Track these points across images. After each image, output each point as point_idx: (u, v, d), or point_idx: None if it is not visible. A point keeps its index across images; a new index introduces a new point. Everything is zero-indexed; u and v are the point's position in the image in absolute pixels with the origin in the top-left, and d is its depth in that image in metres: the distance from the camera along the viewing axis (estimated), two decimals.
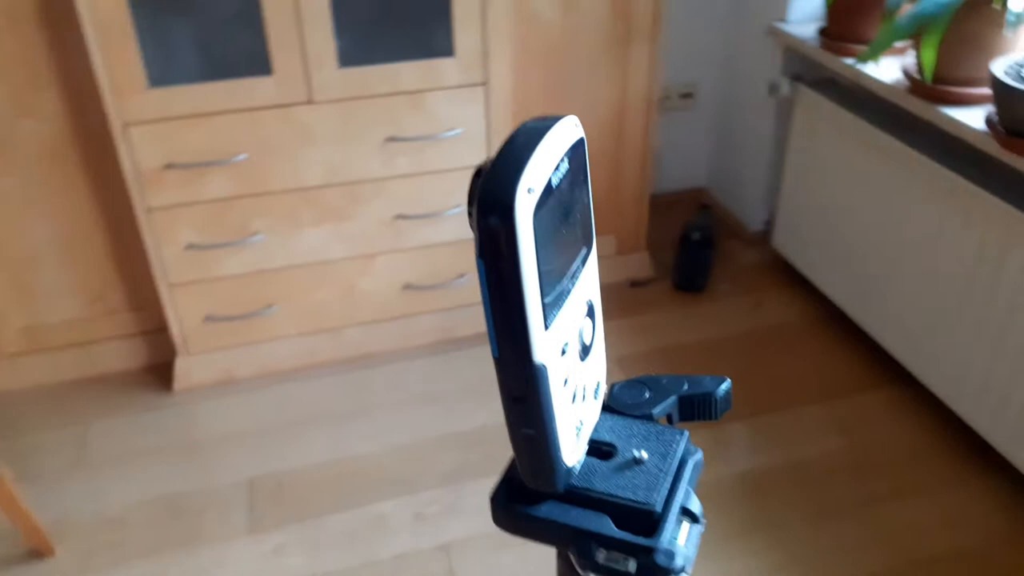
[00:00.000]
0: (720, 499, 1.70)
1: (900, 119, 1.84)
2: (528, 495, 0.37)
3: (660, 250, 2.39)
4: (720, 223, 2.50)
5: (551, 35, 2.00)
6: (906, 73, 1.76)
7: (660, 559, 0.34)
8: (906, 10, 1.55)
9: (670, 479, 0.38)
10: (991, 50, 1.59)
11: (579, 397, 0.39)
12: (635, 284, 2.35)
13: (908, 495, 1.70)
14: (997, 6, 1.51)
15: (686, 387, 0.42)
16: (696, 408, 0.42)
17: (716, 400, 0.42)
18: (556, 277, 0.34)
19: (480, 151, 1.93)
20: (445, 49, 1.80)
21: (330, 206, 1.90)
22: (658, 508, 0.37)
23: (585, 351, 0.40)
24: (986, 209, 1.63)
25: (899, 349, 1.94)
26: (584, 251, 0.39)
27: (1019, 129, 1.51)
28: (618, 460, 0.39)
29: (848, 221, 2.04)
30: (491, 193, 0.32)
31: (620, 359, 2.08)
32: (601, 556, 0.35)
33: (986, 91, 1.62)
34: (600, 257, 2.30)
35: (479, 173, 0.32)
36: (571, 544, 0.36)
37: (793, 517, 1.66)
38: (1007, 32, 1.57)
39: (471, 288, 2.11)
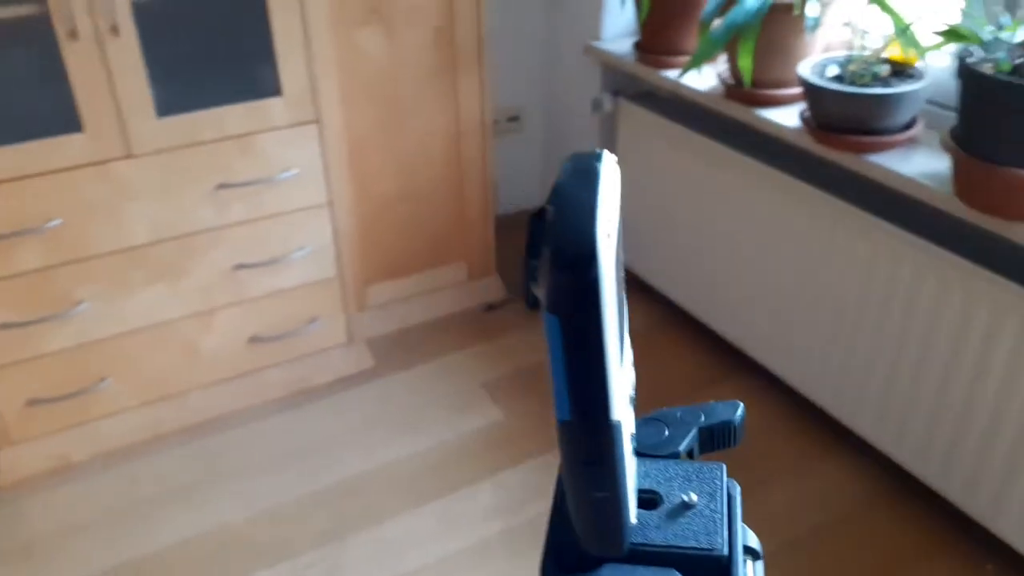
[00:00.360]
0: None
1: (721, 124, 1.95)
2: (579, 562, 0.34)
3: (509, 271, 2.39)
4: None
5: (378, 66, 1.96)
6: (722, 80, 1.86)
7: None
8: (718, 22, 1.64)
9: (725, 518, 0.36)
10: (797, 53, 1.71)
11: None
12: (490, 308, 2.34)
13: (774, 479, 1.78)
14: (797, 13, 1.62)
15: (703, 418, 0.40)
16: (716, 437, 0.40)
17: (735, 427, 0.40)
18: (621, 325, 0.32)
19: (319, 190, 1.86)
20: (271, 88, 1.72)
21: (161, 264, 1.76)
22: (725, 552, 0.35)
23: (633, 397, 0.37)
24: (806, 198, 1.74)
25: (744, 341, 2.04)
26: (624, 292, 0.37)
27: (829, 123, 1.63)
28: (667, 507, 0.36)
29: (682, 225, 2.12)
30: (570, 241, 0.29)
31: (486, 384, 2.06)
32: None
33: (797, 91, 1.74)
34: (452, 284, 2.31)
35: (539, 217, 0.28)
36: None
37: None
38: (808, 36, 1.69)
39: (323, 333, 2.02)
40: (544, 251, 0.30)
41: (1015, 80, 1.30)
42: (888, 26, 1.54)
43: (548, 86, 2.56)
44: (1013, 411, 1.45)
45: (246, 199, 1.78)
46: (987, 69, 1.34)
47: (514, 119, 2.59)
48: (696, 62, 1.65)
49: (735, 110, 1.83)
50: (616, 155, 2.24)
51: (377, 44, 1.94)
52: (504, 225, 2.41)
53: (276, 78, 1.71)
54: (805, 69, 1.64)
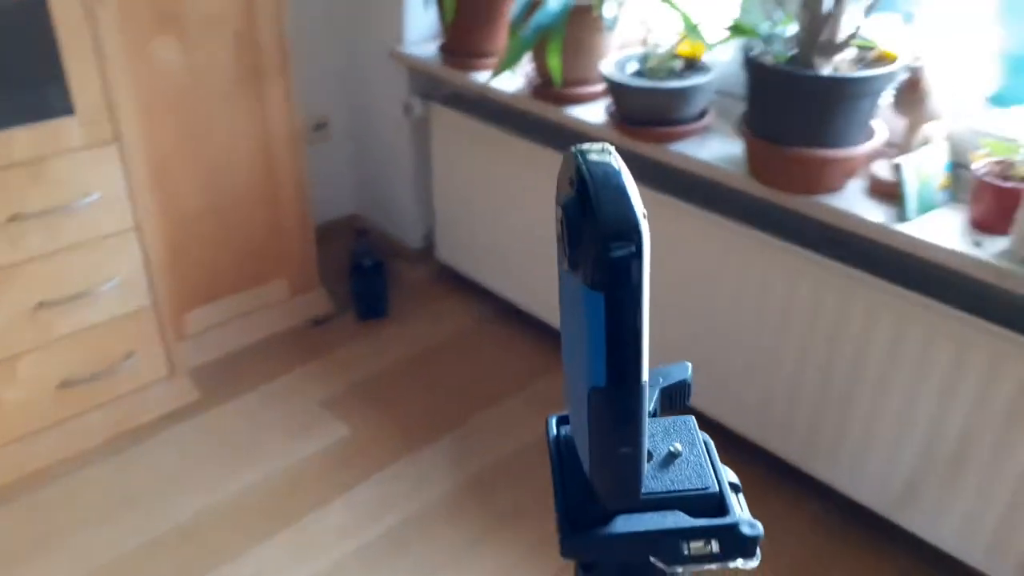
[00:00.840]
0: (455, 511, 1.74)
1: (532, 122, 2.03)
2: (593, 519, 0.36)
3: (333, 283, 2.35)
4: (382, 245, 2.52)
5: (178, 78, 1.86)
6: (529, 81, 1.94)
7: (745, 530, 0.36)
8: (525, 25, 1.70)
9: (708, 460, 0.40)
10: (599, 52, 1.81)
11: None
12: (318, 323, 2.29)
13: None
14: (596, 13, 1.72)
15: (662, 380, 0.43)
16: (673, 397, 0.43)
17: (689, 385, 0.44)
18: None
19: (124, 214, 1.74)
20: (63, 107, 1.59)
21: None
22: (716, 489, 0.39)
23: None
24: None
25: None
26: None
27: (633, 117, 1.74)
28: (657, 459, 0.39)
29: (501, 220, 2.19)
30: (615, 222, 0.31)
31: (325, 401, 2.02)
32: (687, 548, 0.36)
33: (601, 88, 1.85)
34: (274, 302, 2.23)
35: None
36: (656, 547, 0.36)
37: (527, 502, 1.75)
38: (608, 35, 1.80)
39: (141, 368, 1.89)
40: (574, 222, 0.31)
41: (792, 69, 1.46)
42: (678, 23, 1.67)
43: (354, 92, 2.53)
44: (812, 363, 1.63)
45: (43, 230, 1.63)
46: (768, 60, 1.49)
47: (321, 127, 2.55)
48: (507, 64, 1.71)
49: (544, 109, 1.91)
50: (432, 158, 2.27)
51: (175, 53, 1.84)
52: (319, 236, 2.37)
53: (67, 95, 1.58)
54: (607, 67, 1.75)
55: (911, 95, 1.46)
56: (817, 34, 1.44)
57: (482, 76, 2.03)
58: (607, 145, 0.34)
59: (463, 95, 2.24)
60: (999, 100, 1.67)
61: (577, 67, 1.82)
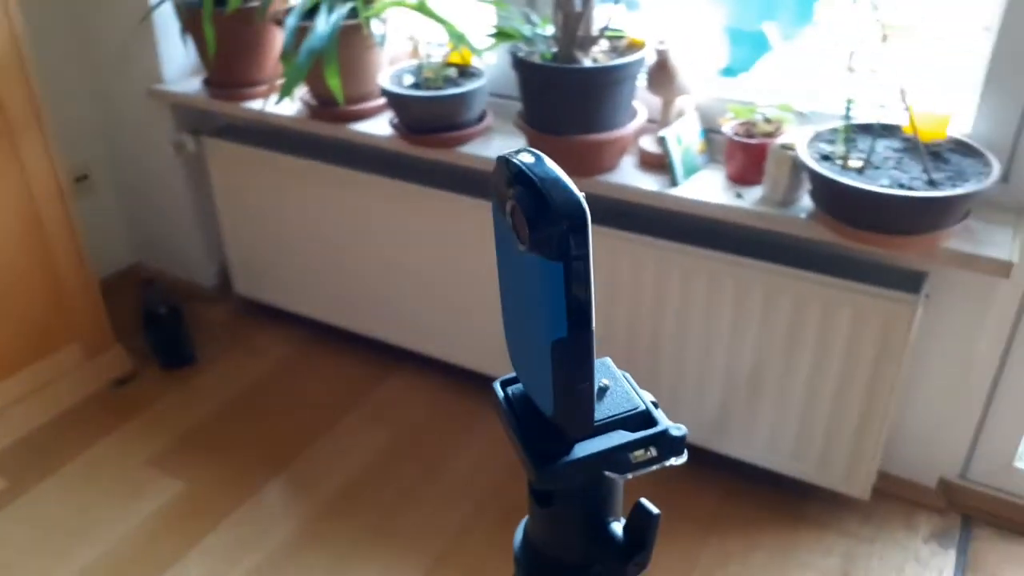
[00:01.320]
0: (314, 538, 1.74)
1: (312, 142, 2.05)
2: (554, 453, 0.45)
3: (130, 338, 2.23)
4: (174, 290, 2.42)
5: None
6: (306, 103, 1.96)
7: (674, 432, 0.47)
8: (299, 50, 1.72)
9: (631, 388, 0.49)
10: (373, 68, 1.87)
11: None
12: (121, 382, 2.16)
13: (460, 447, 1.96)
14: (366, 32, 1.78)
15: None
16: None
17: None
18: None
19: None
20: None
21: None
22: (644, 407, 0.48)
23: None
24: (406, 193, 1.93)
25: (391, 333, 2.18)
26: None
27: (417, 126, 1.82)
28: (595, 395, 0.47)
29: (299, 243, 2.19)
30: (565, 204, 0.38)
31: (150, 460, 1.92)
32: (632, 458, 0.45)
33: (381, 102, 1.91)
34: (70, 370, 2.08)
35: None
36: (609, 462, 0.45)
37: (384, 514, 1.79)
38: (379, 51, 1.86)
39: None
40: (531, 211, 0.39)
41: (557, 65, 1.61)
42: (444, 34, 1.77)
43: (115, 138, 2.40)
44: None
45: None
46: (535, 59, 1.63)
47: (82, 179, 2.39)
48: (288, 90, 1.72)
49: (327, 128, 1.94)
50: (213, 193, 2.22)
51: None
52: (104, 292, 2.24)
53: None
54: (385, 81, 1.81)
55: (661, 75, 1.66)
56: (574, 31, 1.59)
57: (255, 104, 2.02)
58: (529, 148, 0.42)
59: (237, 126, 2.21)
60: (729, 71, 1.94)
61: (355, 84, 1.87)
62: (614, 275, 1.74)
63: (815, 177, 1.45)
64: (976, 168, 1.41)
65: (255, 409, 2.09)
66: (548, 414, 0.44)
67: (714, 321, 1.67)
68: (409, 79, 1.83)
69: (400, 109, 1.84)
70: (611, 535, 0.49)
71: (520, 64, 1.64)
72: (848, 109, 1.46)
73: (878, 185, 1.38)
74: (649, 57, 1.65)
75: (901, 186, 1.38)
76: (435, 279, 2.02)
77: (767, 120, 1.60)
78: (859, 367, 1.57)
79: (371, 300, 2.16)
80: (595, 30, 1.62)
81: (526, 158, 0.41)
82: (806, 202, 1.53)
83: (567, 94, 1.63)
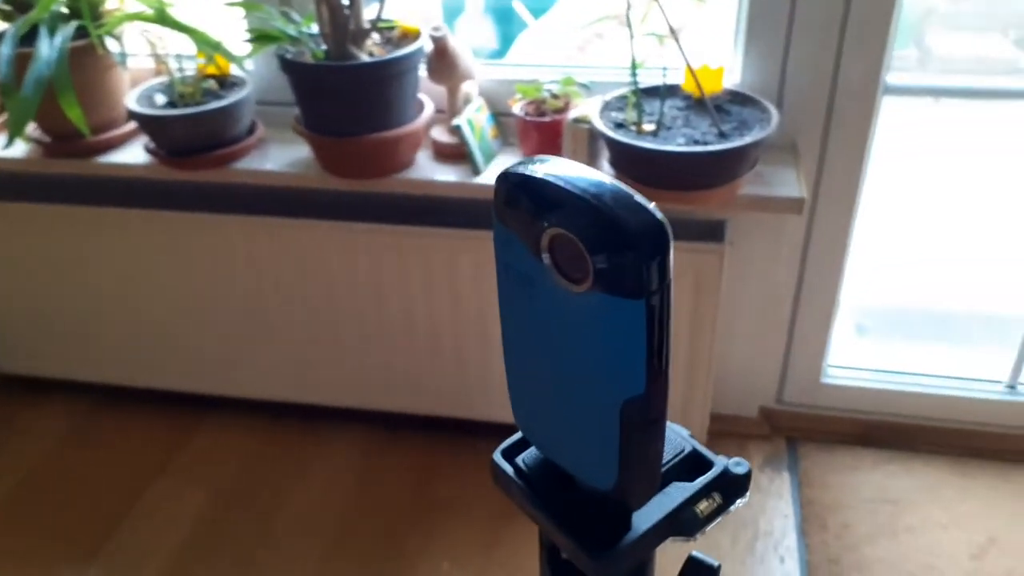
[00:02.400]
0: None
1: (53, 184, 1.77)
2: (609, 531, 0.36)
3: None
4: None
5: None
6: (38, 140, 1.68)
7: (738, 471, 0.40)
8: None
9: (669, 426, 0.41)
10: (117, 91, 1.64)
11: None
12: None
13: (293, 492, 1.81)
14: (101, 52, 1.55)
15: None
16: None
17: None
18: None
19: None
20: None
21: None
22: (692, 447, 0.41)
23: None
24: (175, 224, 1.74)
25: (190, 381, 1.96)
26: None
27: (178, 148, 1.63)
28: None
29: (60, 301, 1.90)
30: (641, 221, 0.29)
31: None
32: (699, 512, 0.38)
33: (131, 127, 1.68)
34: None
35: (575, 226, 0.26)
36: (676, 525, 0.37)
37: None
38: (121, 71, 1.63)
39: None
40: (595, 239, 0.30)
41: (332, 63, 1.49)
42: (192, 45, 1.58)
43: None
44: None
45: None
46: (307, 60, 1.50)
47: None
48: (17, 129, 1.46)
49: (70, 165, 1.68)
50: None
51: None
52: None
53: None
54: (133, 104, 1.60)
55: (442, 62, 1.59)
56: (344, 25, 1.48)
57: None
58: (539, 156, 0.33)
59: None
60: (498, 53, 1.92)
61: (98, 111, 1.63)
62: (432, 274, 1.67)
63: (614, 146, 1.46)
64: (756, 116, 1.49)
65: (41, 499, 1.80)
66: (603, 487, 0.36)
67: None
68: (161, 98, 1.63)
69: (156, 132, 1.63)
70: None
71: (291, 67, 1.50)
72: (634, 74, 1.48)
73: (675, 145, 1.41)
74: (426, 45, 1.58)
75: (696, 143, 1.43)
76: (230, 313, 1.83)
77: (554, 96, 1.59)
78: (679, 321, 1.62)
79: (160, 349, 1.92)
80: (365, 22, 1.52)
81: (556, 169, 0.32)
82: (607, 171, 1.54)
83: (348, 93, 1.52)
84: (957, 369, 1.82)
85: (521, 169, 0.32)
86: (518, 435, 0.41)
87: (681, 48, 1.44)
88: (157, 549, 1.67)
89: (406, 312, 1.74)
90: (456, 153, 1.60)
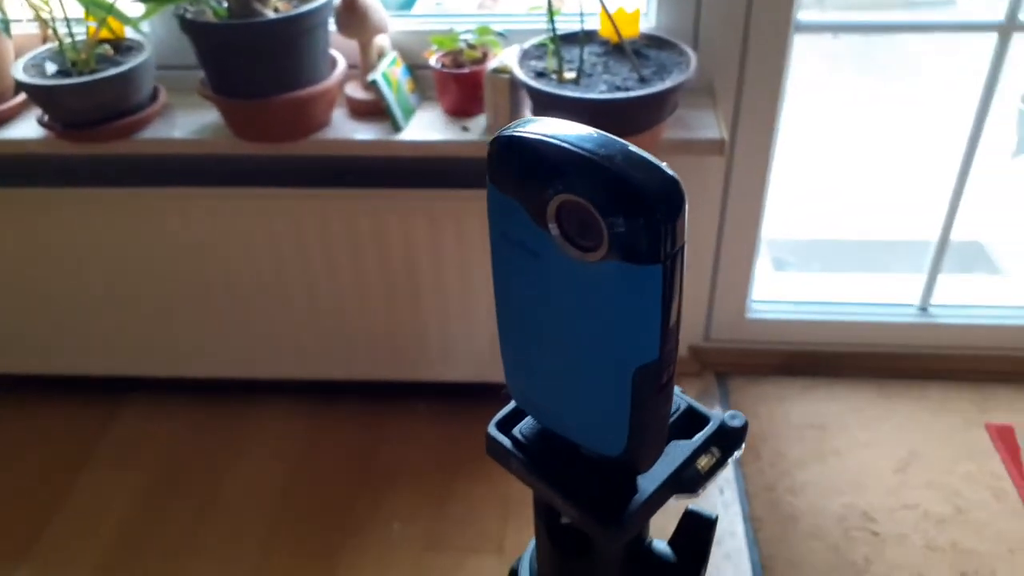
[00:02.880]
0: None
1: None
2: (616, 497, 0.36)
3: None
4: None
5: None
6: None
7: (734, 423, 0.41)
8: None
9: None
10: (2, 59, 1.53)
11: None
12: None
13: (231, 469, 1.76)
14: None
15: None
16: None
17: None
18: None
19: None
20: None
21: None
22: (687, 404, 0.42)
23: None
24: (70, 202, 1.65)
25: (106, 364, 1.88)
26: None
27: (76, 120, 1.53)
28: None
29: None
30: (657, 181, 0.28)
31: None
32: (700, 469, 0.39)
33: (20, 99, 1.57)
34: None
35: (587, 192, 0.25)
36: (678, 483, 0.38)
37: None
38: (5, 38, 1.52)
39: None
40: (610, 204, 0.28)
41: (238, 22, 1.42)
42: (80, 9, 1.48)
43: None
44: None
45: None
46: (209, 19, 1.42)
47: None
48: None
49: None
50: None
51: None
52: None
53: None
54: (20, 74, 1.49)
55: (351, 16, 1.53)
56: None
57: None
58: (536, 118, 0.31)
59: None
60: (405, 4, 1.86)
61: None
62: (357, 236, 1.64)
63: (536, 95, 1.44)
64: (673, 59, 1.49)
65: None
66: (611, 453, 0.35)
67: (468, 258, 1.64)
68: (51, 67, 1.52)
69: (50, 104, 1.52)
70: (660, 558, 0.42)
71: (191, 27, 1.42)
72: (552, 22, 1.46)
73: (598, 92, 1.40)
74: None
75: (618, 88, 1.42)
76: (145, 291, 1.76)
77: (471, 47, 1.56)
78: None
79: (68, 334, 1.83)
80: None
81: (558, 130, 0.30)
82: None
83: (256, 52, 1.45)
84: (872, 295, 1.90)
85: (520, 131, 0.30)
86: (510, 406, 0.40)
87: None
88: (91, 543, 1.61)
89: (333, 277, 1.69)
90: (373, 110, 1.56)
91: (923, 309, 1.87)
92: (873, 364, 1.88)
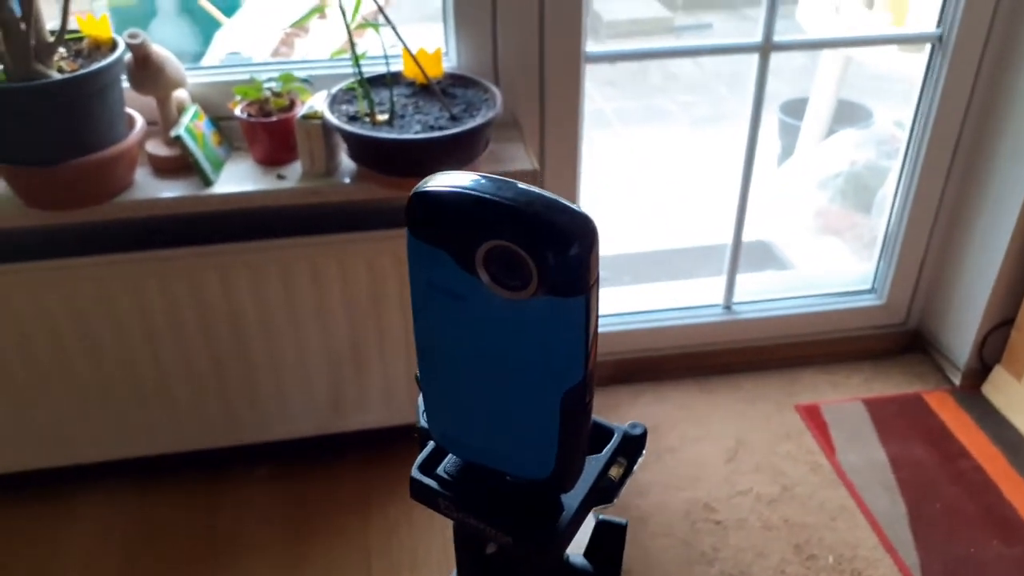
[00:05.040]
0: None
1: None
2: (543, 518, 0.38)
3: None
4: None
5: None
6: None
7: (635, 432, 0.44)
8: None
9: None
10: None
11: None
12: None
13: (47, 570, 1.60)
14: None
15: None
16: None
17: None
18: None
19: None
20: None
21: None
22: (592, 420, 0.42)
23: None
24: None
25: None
26: None
27: None
28: None
29: None
30: (573, 221, 0.31)
31: None
32: (612, 479, 0.42)
33: None
34: None
35: (516, 237, 0.27)
36: (597, 496, 0.40)
37: None
38: None
39: None
40: (537, 246, 0.31)
41: (21, 85, 1.32)
42: None
43: None
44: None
45: None
46: None
47: None
48: None
49: None
50: None
51: None
52: None
53: None
54: None
55: (145, 71, 1.47)
56: (24, 41, 1.31)
57: None
58: (445, 172, 0.33)
59: None
60: (195, 57, 1.81)
61: None
62: (173, 299, 1.55)
63: (352, 139, 1.45)
64: (480, 96, 1.54)
65: None
66: (539, 476, 0.36)
67: (297, 308, 1.60)
68: None
69: None
70: (578, 569, 0.44)
71: None
72: (358, 65, 1.47)
73: (413, 133, 1.43)
74: (126, 54, 1.44)
75: (431, 128, 1.45)
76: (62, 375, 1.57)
77: (276, 95, 1.53)
78: None
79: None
80: (47, 35, 1.36)
81: (467, 181, 0.32)
82: (348, 165, 1.52)
83: (42, 116, 1.35)
84: (681, 300, 2.05)
85: (435, 187, 0.32)
86: (429, 449, 0.41)
87: (398, 33, 1.45)
88: None
89: (151, 345, 1.59)
90: (179, 166, 1.49)
91: (727, 308, 2.04)
92: (691, 363, 2.02)
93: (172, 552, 1.62)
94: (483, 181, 0.32)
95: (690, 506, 1.67)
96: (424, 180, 0.32)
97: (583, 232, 0.31)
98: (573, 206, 0.31)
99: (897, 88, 3.40)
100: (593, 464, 0.41)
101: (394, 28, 1.44)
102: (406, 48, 1.48)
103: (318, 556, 1.60)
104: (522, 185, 0.31)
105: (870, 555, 1.57)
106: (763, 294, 2.07)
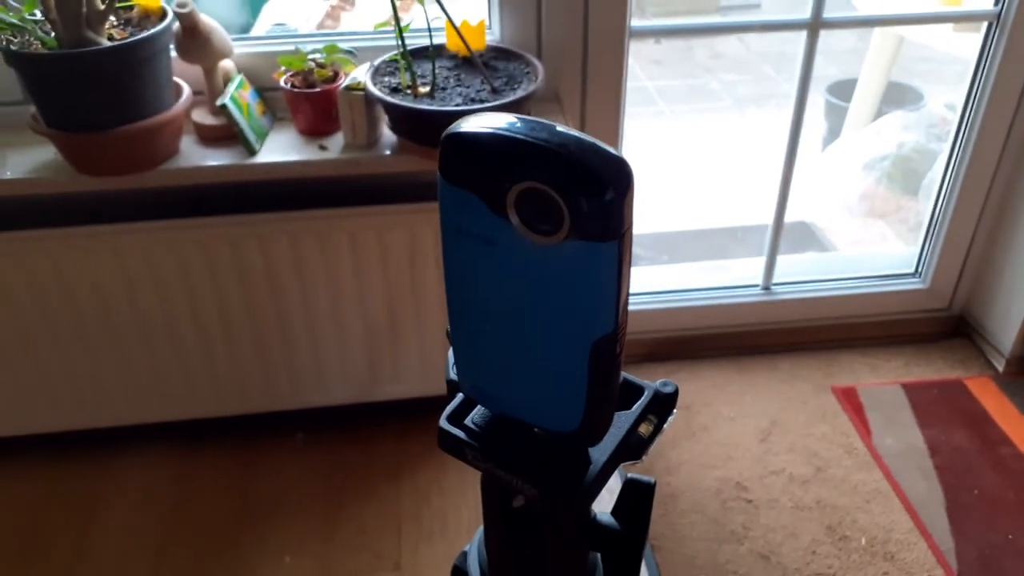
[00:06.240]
0: None
1: None
2: (572, 472, 0.38)
3: None
4: None
5: None
6: None
7: (666, 390, 0.43)
8: None
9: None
10: None
11: None
12: None
13: (92, 526, 1.66)
14: None
15: None
16: None
17: None
18: None
19: None
20: None
21: None
22: (623, 376, 0.42)
23: None
24: None
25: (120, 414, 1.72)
26: None
27: None
28: None
29: None
30: (609, 164, 0.30)
31: None
32: (641, 435, 0.41)
33: None
34: None
35: (550, 178, 0.27)
36: (626, 451, 0.40)
37: None
38: None
39: None
40: (570, 189, 0.30)
41: (72, 52, 1.35)
42: None
43: None
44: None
45: None
46: (38, 50, 1.35)
47: None
48: None
49: None
50: None
51: None
52: None
53: None
54: None
55: (193, 40, 1.49)
56: (76, 8, 1.34)
57: None
58: (481, 113, 0.33)
59: None
60: (243, 28, 1.83)
61: None
62: (215, 267, 1.58)
63: (394, 111, 1.46)
64: (521, 70, 1.54)
65: None
66: (567, 429, 0.37)
67: (337, 278, 1.62)
68: None
69: None
70: (608, 529, 0.44)
71: (18, 59, 1.34)
72: (401, 37, 1.47)
73: (455, 105, 1.43)
74: (175, 23, 1.46)
75: (472, 101, 1.45)
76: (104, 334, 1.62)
77: (321, 66, 1.55)
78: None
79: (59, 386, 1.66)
80: (99, 3, 1.38)
81: (505, 122, 0.31)
82: (389, 136, 1.53)
83: (95, 82, 1.38)
84: (720, 280, 2.03)
85: (469, 128, 0.32)
86: (457, 400, 0.41)
87: (442, 5, 1.46)
88: None
89: (194, 311, 1.63)
90: (224, 135, 1.52)
91: (766, 288, 2.02)
92: (728, 343, 2.01)
93: (208, 514, 1.66)
94: (517, 123, 0.32)
95: (722, 484, 1.67)
96: (457, 122, 0.33)
97: (618, 176, 0.30)
98: (610, 149, 0.31)
99: (949, 70, 3.32)
100: (622, 420, 0.41)
101: (439, 0, 1.45)
102: (450, 20, 1.49)
103: (351, 520, 1.63)
104: (560, 127, 0.31)
105: (904, 538, 1.56)
106: (803, 275, 2.05)
